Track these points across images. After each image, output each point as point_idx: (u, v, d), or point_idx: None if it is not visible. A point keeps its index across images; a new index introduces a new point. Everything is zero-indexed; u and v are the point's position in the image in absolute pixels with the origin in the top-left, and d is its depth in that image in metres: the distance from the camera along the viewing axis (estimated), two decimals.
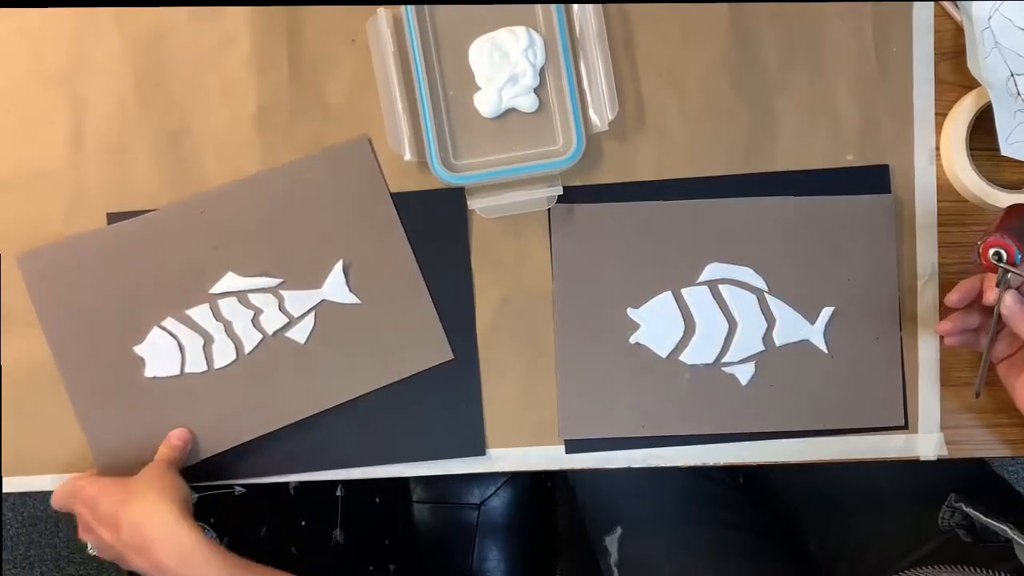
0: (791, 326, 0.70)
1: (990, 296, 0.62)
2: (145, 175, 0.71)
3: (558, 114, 0.69)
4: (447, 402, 0.70)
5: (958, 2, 0.69)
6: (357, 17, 0.70)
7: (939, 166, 0.71)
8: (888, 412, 0.71)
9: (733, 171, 0.71)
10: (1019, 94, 0.68)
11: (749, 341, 0.70)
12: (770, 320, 0.70)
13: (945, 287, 0.70)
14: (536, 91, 0.69)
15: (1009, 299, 0.61)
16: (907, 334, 0.71)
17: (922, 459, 0.71)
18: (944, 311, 0.70)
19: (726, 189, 0.70)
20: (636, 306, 0.70)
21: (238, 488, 0.90)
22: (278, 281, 0.70)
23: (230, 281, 0.70)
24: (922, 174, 0.71)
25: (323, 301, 0.70)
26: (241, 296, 0.70)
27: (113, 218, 0.70)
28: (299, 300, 0.70)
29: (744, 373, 0.70)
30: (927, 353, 0.71)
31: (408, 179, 0.70)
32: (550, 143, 0.69)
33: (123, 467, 0.69)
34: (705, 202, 0.70)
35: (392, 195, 0.70)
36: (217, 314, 0.70)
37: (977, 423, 0.71)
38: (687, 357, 0.70)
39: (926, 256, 0.71)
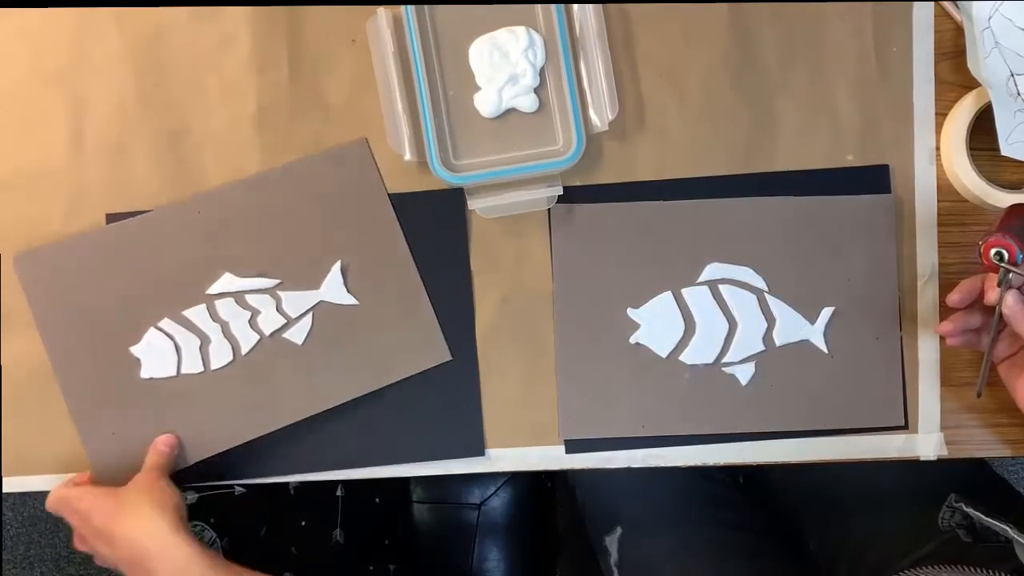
0: (791, 326, 0.70)
1: (991, 296, 0.62)
2: (145, 175, 0.71)
3: (558, 114, 0.69)
4: (447, 402, 0.70)
5: (958, 2, 0.69)
6: (357, 17, 0.70)
7: (939, 166, 0.71)
8: (888, 412, 0.71)
9: (733, 171, 0.71)
10: (1019, 94, 0.68)
11: (749, 341, 0.70)
12: (770, 320, 0.70)
13: (945, 287, 0.70)
14: (536, 91, 0.69)
15: (1011, 299, 0.61)
16: (907, 334, 0.71)
17: (922, 459, 0.71)
18: (944, 311, 0.70)
19: (726, 189, 0.70)
20: (636, 306, 0.70)
21: (238, 488, 0.90)
22: (276, 282, 0.70)
23: (227, 282, 0.70)
24: (922, 174, 0.71)
25: (321, 302, 0.70)
26: (238, 297, 0.70)
27: (112, 219, 0.70)
28: (297, 301, 0.70)
29: (744, 373, 0.70)
30: (927, 353, 0.71)
31: (408, 179, 0.70)
32: (550, 143, 0.69)
33: (118, 468, 0.69)
34: (705, 202, 0.70)
35: (392, 195, 0.70)
36: (214, 315, 0.70)
37: (977, 423, 0.71)
38: (687, 357, 0.70)
39: (926, 256, 0.71)
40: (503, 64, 0.68)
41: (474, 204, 0.68)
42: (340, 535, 0.99)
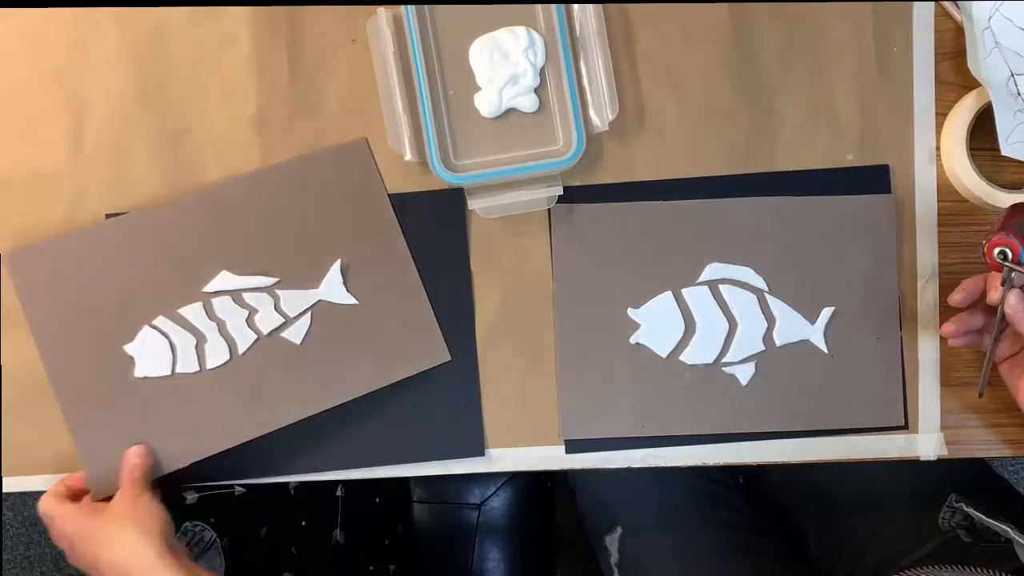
0: (791, 326, 0.70)
1: (994, 295, 0.62)
2: (145, 175, 0.71)
3: (558, 114, 0.69)
4: (447, 402, 0.70)
5: (958, 2, 0.69)
6: (357, 17, 0.70)
7: (939, 166, 0.71)
8: (888, 412, 0.71)
9: (733, 171, 0.71)
10: (1019, 94, 0.68)
11: (749, 341, 0.70)
12: (770, 320, 0.70)
13: (945, 287, 0.70)
14: (536, 91, 0.69)
15: (1013, 298, 0.61)
16: (907, 334, 0.71)
17: (922, 459, 0.71)
18: (945, 311, 0.70)
19: (726, 189, 0.70)
20: (636, 306, 0.70)
21: (238, 488, 0.90)
22: (274, 280, 0.69)
23: (224, 279, 0.69)
24: (922, 174, 0.71)
25: (320, 301, 0.69)
26: (235, 295, 0.69)
27: (112, 218, 0.70)
28: (295, 300, 0.69)
29: (744, 373, 0.70)
30: (927, 353, 0.71)
31: (408, 179, 0.70)
32: (550, 143, 0.69)
33: (111, 469, 0.68)
34: (705, 202, 0.70)
35: (392, 195, 0.70)
36: (210, 313, 0.69)
37: (977, 423, 0.71)
38: (687, 357, 0.70)
39: (926, 256, 0.71)
40: (503, 64, 0.68)
41: (474, 204, 0.68)
42: (340, 535, 0.99)
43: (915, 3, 0.70)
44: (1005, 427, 0.71)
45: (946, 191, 0.71)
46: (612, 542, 0.89)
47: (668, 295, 0.70)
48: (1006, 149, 0.67)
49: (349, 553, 1.00)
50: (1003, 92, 0.67)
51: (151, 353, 0.69)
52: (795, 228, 0.70)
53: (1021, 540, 0.69)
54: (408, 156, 0.68)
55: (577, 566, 1.03)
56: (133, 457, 0.67)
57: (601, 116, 0.68)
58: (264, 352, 0.69)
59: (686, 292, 0.70)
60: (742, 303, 0.70)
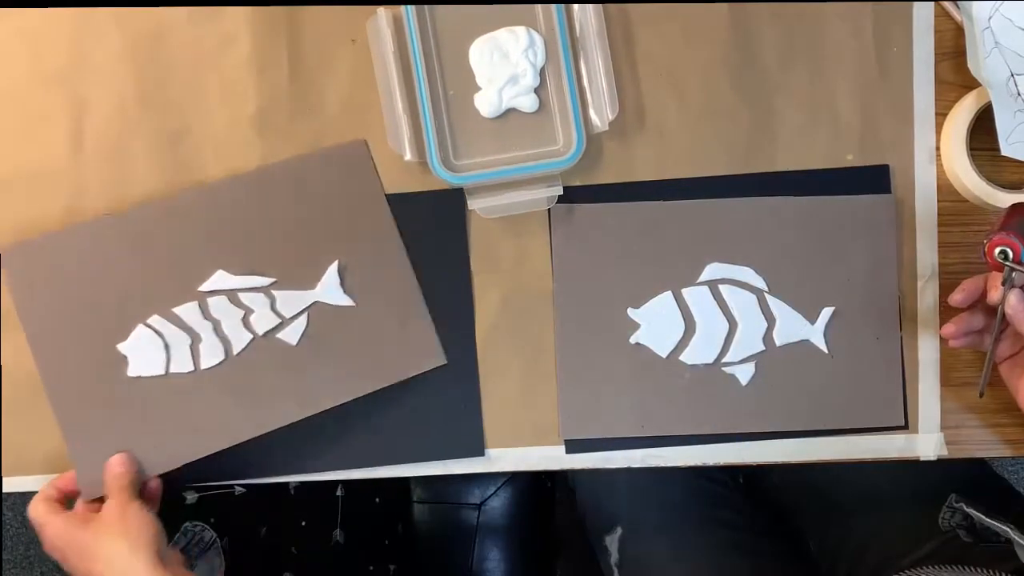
0: (791, 326, 0.70)
1: (994, 295, 0.62)
2: (145, 175, 0.71)
3: (558, 114, 0.69)
4: (447, 402, 0.70)
5: (958, 2, 0.69)
6: (357, 17, 0.70)
7: (939, 166, 0.71)
8: (888, 412, 0.71)
9: (733, 171, 0.71)
10: (1019, 94, 0.68)
11: (749, 341, 0.70)
12: (770, 320, 0.70)
13: (945, 287, 0.70)
14: (536, 91, 0.69)
15: (1014, 298, 0.61)
16: (907, 334, 0.71)
17: (922, 459, 0.71)
18: (945, 311, 0.70)
19: (726, 189, 0.70)
20: (636, 306, 0.70)
21: (238, 488, 0.90)
22: (270, 280, 0.69)
23: (220, 279, 0.69)
24: (922, 174, 0.71)
25: (316, 302, 0.69)
26: (231, 295, 0.69)
27: None
28: (291, 300, 0.69)
29: (744, 373, 0.70)
30: (927, 353, 0.71)
31: (408, 179, 0.70)
32: (550, 143, 0.69)
33: (101, 469, 0.67)
34: (705, 202, 0.70)
35: (392, 195, 0.70)
36: (206, 312, 0.68)
37: (977, 423, 0.71)
38: (687, 357, 0.70)
39: (926, 256, 0.71)
40: (503, 64, 0.68)
41: (474, 204, 0.68)
42: (340, 535, 0.99)
43: (915, 3, 0.70)
44: (1005, 427, 0.71)
45: (946, 191, 0.71)
46: (612, 542, 0.89)
47: (668, 295, 0.70)
48: (1006, 149, 0.67)
49: (349, 553, 1.00)
50: (1003, 92, 0.67)
51: (145, 352, 0.68)
52: (795, 228, 0.70)
53: (1021, 540, 0.69)
54: (408, 156, 0.68)
55: (577, 566, 1.03)
56: (116, 467, 0.66)
57: (601, 116, 0.68)
58: (259, 353, 0.69)
59: (686, 292, 0.70)
60: (742, 303, 0.70)
